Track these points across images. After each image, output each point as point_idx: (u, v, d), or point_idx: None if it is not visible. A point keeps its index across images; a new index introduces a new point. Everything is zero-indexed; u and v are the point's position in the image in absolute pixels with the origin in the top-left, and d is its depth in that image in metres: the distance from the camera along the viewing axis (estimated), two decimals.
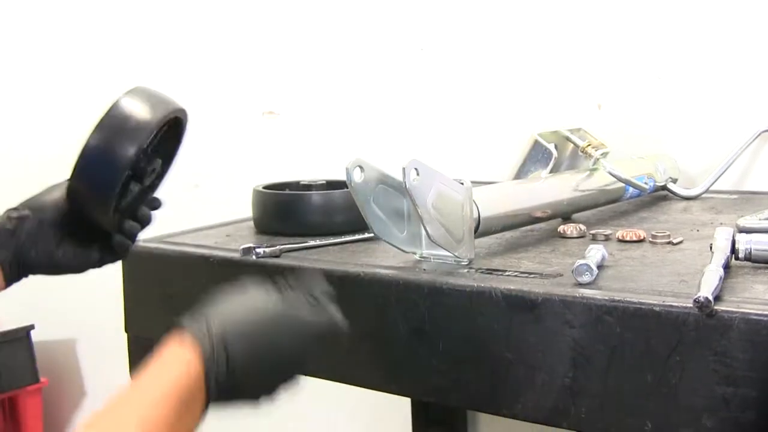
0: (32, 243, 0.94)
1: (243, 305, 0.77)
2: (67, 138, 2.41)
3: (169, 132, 0.95)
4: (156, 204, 1.02)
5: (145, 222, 1.00)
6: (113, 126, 0.86)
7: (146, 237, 1.22)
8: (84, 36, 2.28)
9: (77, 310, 2.34)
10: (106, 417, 0.68)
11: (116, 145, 0.85)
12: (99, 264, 0.99)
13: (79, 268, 0.99)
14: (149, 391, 0.70)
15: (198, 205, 2.08)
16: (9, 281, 0.95)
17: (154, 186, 1.00)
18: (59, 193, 0.95)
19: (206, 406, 0.73)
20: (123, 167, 0.85)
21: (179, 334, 0.74)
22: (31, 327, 2.38)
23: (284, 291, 0.80)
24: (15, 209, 0.95)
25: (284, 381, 0.78)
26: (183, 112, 0.95)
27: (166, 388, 0.69)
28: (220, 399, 0.73)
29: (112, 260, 1.00)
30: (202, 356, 0.72)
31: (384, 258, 1.00)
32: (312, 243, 1.12)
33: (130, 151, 0.85)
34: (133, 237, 0.98)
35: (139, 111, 0.87)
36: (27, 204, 0.96)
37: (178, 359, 0.72)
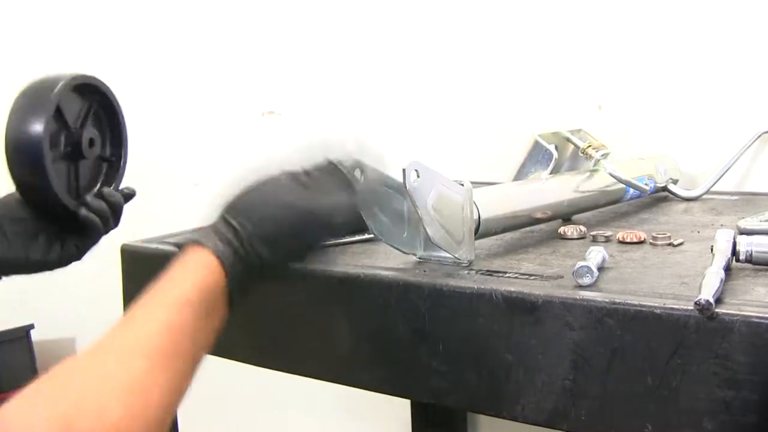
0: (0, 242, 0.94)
1: (254, 183, 0.79)
2: None
3: (98, 106, 1.01)
4: (126, 190, 1.05)
5: (112, 201, 1.01)
6: (17, 108, 0.91)
7: (146, 237, 1.22)
8: (84, 36, 2.28)
9: (77, 310, 2.34)
10: (129, 321, 0.70)
11: (25, 120, 0.90)
12: (78, 253, 1.00)
13: (59, 262, 1.00)
14: (171, 294, 0.71)
15: (198, 204, 2.08)
16: None
17: (115, 168, 1.06)
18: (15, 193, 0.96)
19: (230, 303, 0.74)
20: (36, 138, 0.89)
21: (195, 241, 0.76)
22: (31, 326, 2.38)
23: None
24: None
25: (309, 247, 0.80)
26: (88, 77, 0.99)
27: (187, 290, 0.71)
28: (245, 283, 0.75)
29: (89, 244, 1.00)
30: (220, 250, 0.74)
31: (384, 259, 1.00)
32: None
33: (37, 123, 0.89)
34: (101, 214, 0.98)
35: (38, 87, 0.92)
36: None
37: (197, 260, 0.74)
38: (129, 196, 1.06)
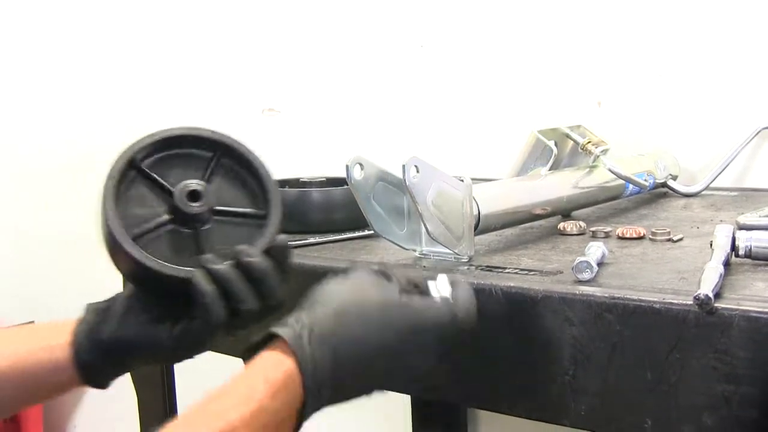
0: (123, 323, 0.80)
1: (345, 298, 0.71)
2: (68, 138, 2.41)
3: (223, 158, 0.82)
4: (276, 248, 0.78)
5: (247, 263, 0.75)
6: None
7: None
8: (84, 35, 2.28)
9: (77, 309, 2.33)
10: (188, 424, 0.64)
11: (100, 204, 0.80)
12: (197, 337, 0.79)
13: (175, 346, 0.80)
14: (239, 396, 0.65)
15: None
16: (96, 376, 0.82)
17: (263, 226, 0.80)
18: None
19: (303, 412, 0.68)
20: (106, 224, 0.78)
21: (274, 339, 0.68)
22: (31, 324, 2.38)
23: (395, 277, 0.73)
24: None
25: (390, 380, 0.73)
26: (174, 131, 0.82)
27: (257, 394, 0.64)
28: (320, 403, 0.69)
29: (206, 321, 0.75)
30: (299, 360, 0.66)
31: (384, 255, 1.00)
32: (312, 240, 1.11)
33: (107, 205, 0.79)
34: (223, 279, 0.74)
35: (115, 160, 0.81)
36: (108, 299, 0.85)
37: (272, 364, 0.66)
38: (280, 254, 0.78)
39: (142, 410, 1.30)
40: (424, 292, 0.75)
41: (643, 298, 0.77)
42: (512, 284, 0.84)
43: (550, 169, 1.21)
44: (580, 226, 1.09)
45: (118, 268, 0.79)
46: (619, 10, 1.53)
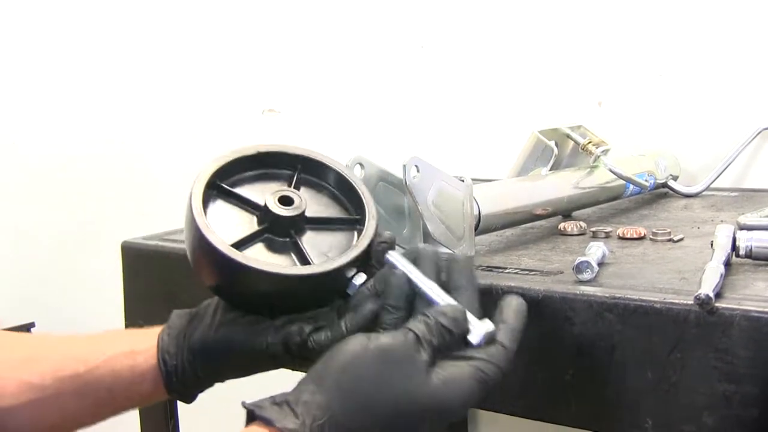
0: (218, 325, 0.76)
1: (347, 382, 0.63)
2: (69, 137, 2.41)
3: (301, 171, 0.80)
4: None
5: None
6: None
7: (147, 235, 1.22)
8: (85, 35, 2.28)
9: (78, 308, 2.33)
10: None
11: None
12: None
13: (295, 353, 0.74)
14: None
15: None
16: (178, 384, 0.77)
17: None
18: None
19: None
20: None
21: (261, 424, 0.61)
22: (32, 324, 2.38)
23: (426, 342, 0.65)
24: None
25: None
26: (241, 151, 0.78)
27: None
28: None
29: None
30: None
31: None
32: None
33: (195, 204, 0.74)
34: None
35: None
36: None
37: None
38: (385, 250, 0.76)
39: (143, 411, 1.30)
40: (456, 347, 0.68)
41: (644, 297, 0.77)
42: (513, 284, 0.84)
43: (550, 170, 1.21)
44: (581, 227, 1.09)
45: (220, 279, 0.75)
46: (619, 10, 1.53)
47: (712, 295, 0.71)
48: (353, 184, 0.80)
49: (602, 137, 1.26)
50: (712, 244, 0.87)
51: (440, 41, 1.73)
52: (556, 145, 1.22)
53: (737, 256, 0.86)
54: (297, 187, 0.79)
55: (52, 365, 0.77)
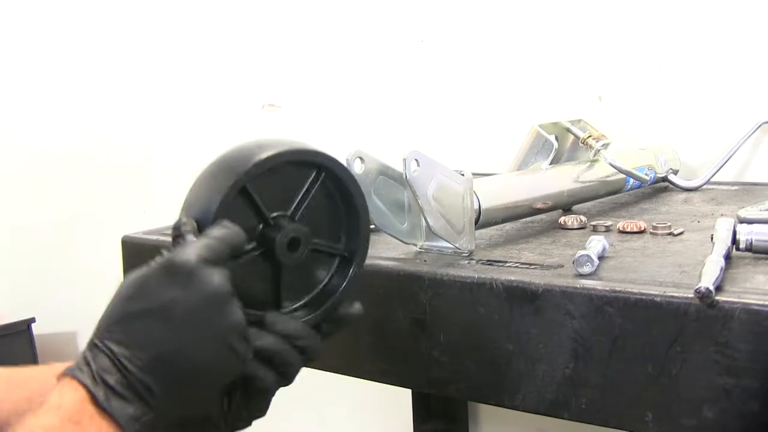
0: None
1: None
2: (68, 135, 2.41)
3: (325, 181, 0.77)
4: (345, 314, 0.78)
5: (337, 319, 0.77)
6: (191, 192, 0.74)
7: (147, 229, 1.22)
8: (85, 31, 2.28)
9: (78, 303, 2.33)
10: None
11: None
12: (247, 416, 0.76)
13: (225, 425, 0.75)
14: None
15: None
16: None
17: (345, 270, 0.80)
18: None
19: None
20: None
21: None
22: (32, 320, 2.38)
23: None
24: None
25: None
26: (283, 155, 0.73)
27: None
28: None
29: (255, 396, 0.75)
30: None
31: (385, 249, 1.00)
32: None
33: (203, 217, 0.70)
34: (270, 352, 0.72)
35: (216, 167, 0.74)
36: None
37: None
38: (339, 324, 0.78)
39: None
40: None
41: (644, 291, 0.77)
42: (513, 278, 0.84)
43: (550, 164, 1.21)
44: (581, 220, 1.09)
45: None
46: (619, 5, 1.53)
47: (712, 288, 0.71)
48: (358, 219, 0.79)
49: (602, 131, 1.26)
50: (712, 238, 0.87)
51: (440, 36, 1.73)
52: (557, 139, 1.22)
53: (737, 249, 0.86)
54: (310, 195, 0.76)
55: None
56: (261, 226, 0.74)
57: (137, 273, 0.67)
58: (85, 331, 2.52)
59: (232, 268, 0.68)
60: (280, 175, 0.74)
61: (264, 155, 0.72)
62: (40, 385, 0.77)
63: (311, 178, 0.76)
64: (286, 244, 0.73)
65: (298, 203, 0.75)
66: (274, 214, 0.74)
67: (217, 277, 0.66)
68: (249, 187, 0.72)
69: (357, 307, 0.78)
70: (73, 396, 0.63)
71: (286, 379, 0.74)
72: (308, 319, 0.76)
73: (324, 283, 0.79)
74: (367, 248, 0.80)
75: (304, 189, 0.76)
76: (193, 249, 0.66)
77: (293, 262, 0.74)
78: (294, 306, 0.77)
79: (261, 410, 0.76)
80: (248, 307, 0.70)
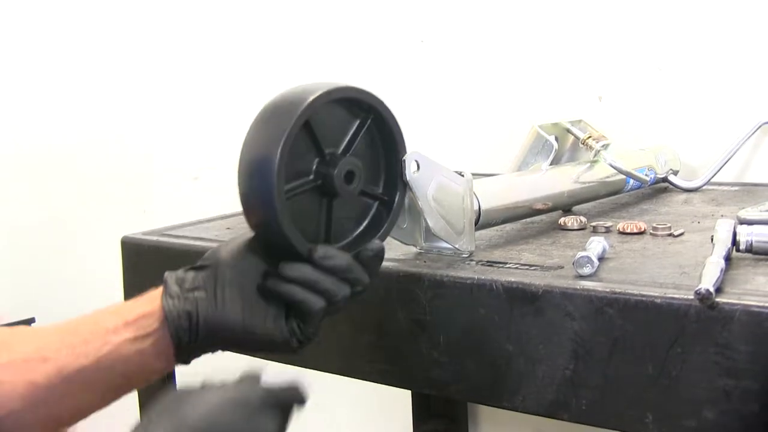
0: (214, 302, 0.77)
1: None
2: (68, 133, 2.40)
3: (372, 129, 0.83)
4: (371, 250, 0.81)
5: (365, 260, 0.80)
6: (255, 124, 0.77)
7: (147, 230, 1.22)
8: (85, 30, 2.28)
9: (78, 303, 2.33)
10: None
11: (259, 142, 0.76)
12: (300, 334, 0.79)
13: (273, 340, 0.78)
14: None
15: (198, 197, 2.08)
16: (185, 354, 0.79)
17: (385, 213, 0.85)
18: (239, 241, 0.81)
19: None
20: (267, 165, 0.73)
21: None
22: (32, 320, 2.38)
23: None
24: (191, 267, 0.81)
25: None
26: (354, 91, 0.80)
27: None
28: None
29: (308, 320, 0.78)
30: None
31: (384, 250, 1.00)
32: None
33: (273, 145, 0.73)
34: (332, 271, 0.77)
35: (283, 100, 0.78)
36: (204, 258, 0.82)
37: None
38: (373, 257, 0.81)
39: (143, 409, 1.30)
40: None
41: (644, 292, 0.76)
42: (513, 279, 0.84)
43: (550, 164, 1.20)
44: (581, 221, 1.09)
45: (248, 212, 0.77)
46: (619, 5, 1.53)
47: (712, 289, 0.71)
48: (399, 165, 0.85)
49: (602, 132, 1.25)
50: (712, 239, 0.87)
51: (440, 36, 1.73)
52: (557, 139, 1.22)
53: (738, 250, 0.86)
54: (359, 136, 0.81)
55: (56, 364, 0.76)
56: (318, 160, 0.78)
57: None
58: None
59: (290, 201, 0.74)
60: (333, 114, 0.79)
61: (324, 90, 0.77)
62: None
63: (360, 120, 0.81)
64: (343, 175, 0.78)
65: (348, 141, 0.80)
66: (328, 150, 0.79)
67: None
68: (312, 120, 0.76)
69: (377, 243, 0.81)
70: None
71: (337, 309, 0.79)
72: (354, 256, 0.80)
73: (363, 226, 0.84)
74: (404, 198, 0.86)
75: (353, 129, 0.81)
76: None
77: (348, 195, 0.80)
78: (340, 244, 0.82)
79: (315, 333, 0.80)
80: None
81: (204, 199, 2.05)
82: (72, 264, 2.37)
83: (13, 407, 0.75)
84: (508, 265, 0.90)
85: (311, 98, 0.76)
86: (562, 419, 0.82)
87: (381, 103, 0.82)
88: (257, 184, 0.74)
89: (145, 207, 2.19)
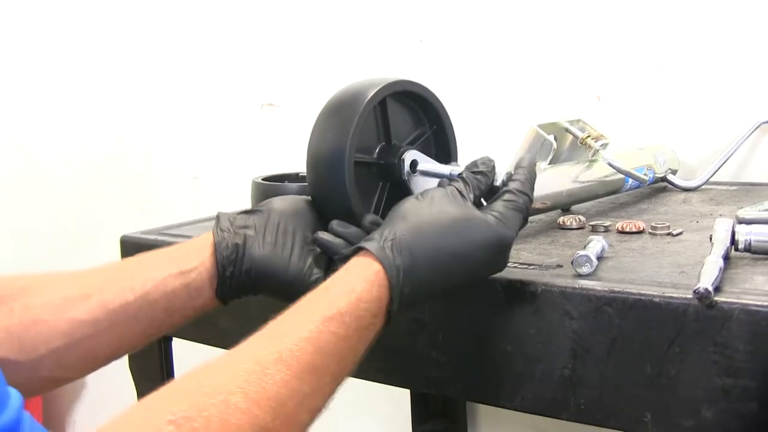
0: (262, 241, 0.82)
1: (422, 213, 0.77)
2: (68, 133, 2.40)
3: (433, 130, 0.93)
4: None
5: None
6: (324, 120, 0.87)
7: (146, 229, 1.22)
8: (84, 31, 2.28)
9: None
10: (274, 331, 0.66)
11: (332, 128, 0.85)
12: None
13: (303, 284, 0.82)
14: (324, 307, 0.69)
15: (197, 196, 2.08)
16: (226, 288, 0.82)
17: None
18: (295, 197, 0.88)
19: (389, 309, 0.74)
20: (341, 145, 0.82)
21: (361, 252, 0.75)
22: None
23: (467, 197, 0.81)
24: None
25: (458, 282, 0.79)
26: (416, 86, 0.90)
27: (342, 305, 0.69)
28: (402, 301, 0.74)
29: None
30: (384, 265, 0.73)
31: None
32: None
33: (348, 125, 0.83)
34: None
35: (358, 88, 0.88)
36: (259, 205, 0.87)
37: (364, 267, 0.73)
38: None
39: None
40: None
41: (643, 291, 0.77)
42: (512, 278, 0.84)
43: (549, 164, 1.20)
44: (580, 220, 1.09)
45: (316, 187, 0.84)
46: (617, 4, 1.53)
47: (711, 289, 0.71)
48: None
49: (601, 131, 1.25)
50: (711, 238, 0.87)
51: (439, 35, 1.73)
52: (555, 139, 1.22)
53: (736, 249, 0.86)
54: (419, 139, 0.90)
55: (99, 299, 0.78)
56: (383, 144, 0.87)
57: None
58: None
59: (357, 174, 0.82)
60: (403, 113, 0.89)
61: (407, 80, 0.87)
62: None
63: (424, 128, 0.91)
64: (410, 163, 0.86)
65: (411, 141, 0.89)
66: (394, 142, 0.87)
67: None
68: (388, 104, 0.85)
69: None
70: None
71: None
72: None
73: None
74: None
75: (416, 133, 0.90)
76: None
77: (405, 185, 0.87)
78: None
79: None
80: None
81: (203, 199, 2.05)
82: (72, 264, 2.35)
83: (55, 345, 0.76)
84: None
85: (395, 80, 0.85)
86: (561, 418, 0.82)
87: (447, 117, 0.94)
88: (332, 137, 0.83)
89: (145, 206, 2.19)
